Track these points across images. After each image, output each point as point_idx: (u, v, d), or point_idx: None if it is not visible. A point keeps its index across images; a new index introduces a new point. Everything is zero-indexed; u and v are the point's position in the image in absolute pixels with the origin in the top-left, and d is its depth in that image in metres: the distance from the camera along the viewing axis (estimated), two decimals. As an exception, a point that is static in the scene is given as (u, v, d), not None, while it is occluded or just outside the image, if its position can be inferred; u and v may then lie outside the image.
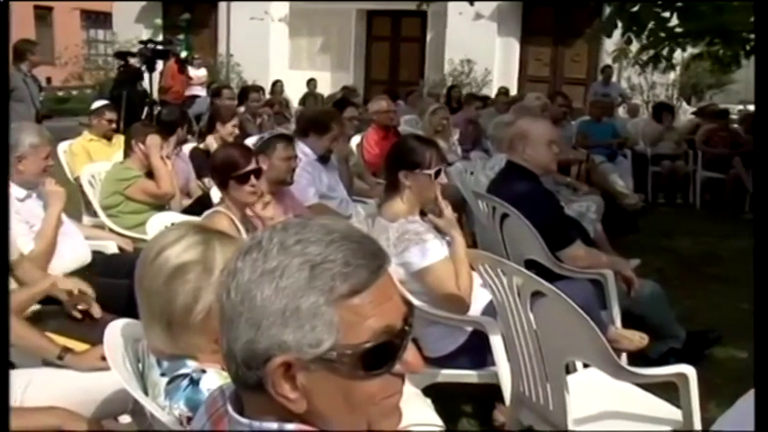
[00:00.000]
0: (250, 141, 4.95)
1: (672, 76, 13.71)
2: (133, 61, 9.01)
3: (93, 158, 5.70)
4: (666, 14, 4.38)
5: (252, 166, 3.29)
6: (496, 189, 3.93)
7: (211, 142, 5.60)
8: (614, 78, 13.34)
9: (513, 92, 13.31)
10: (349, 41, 18.32)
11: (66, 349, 2.52)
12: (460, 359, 2.97)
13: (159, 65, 9.90)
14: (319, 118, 5.02)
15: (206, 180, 5.00)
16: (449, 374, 2.98)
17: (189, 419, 1.66)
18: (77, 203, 5.08)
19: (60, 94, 18.42)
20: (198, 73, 13.08)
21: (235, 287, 0.96)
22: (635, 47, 5.33)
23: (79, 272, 3.42)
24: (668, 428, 2.43)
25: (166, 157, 4.60)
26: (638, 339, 3.38)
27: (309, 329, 0.93)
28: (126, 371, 1.87)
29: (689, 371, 2.34)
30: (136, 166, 4.51)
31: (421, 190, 3.00)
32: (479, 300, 2.95)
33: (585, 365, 2.80)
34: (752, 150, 8.97)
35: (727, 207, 8.63)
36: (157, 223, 3.73)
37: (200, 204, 4.21)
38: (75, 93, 18.75)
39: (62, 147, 5.94)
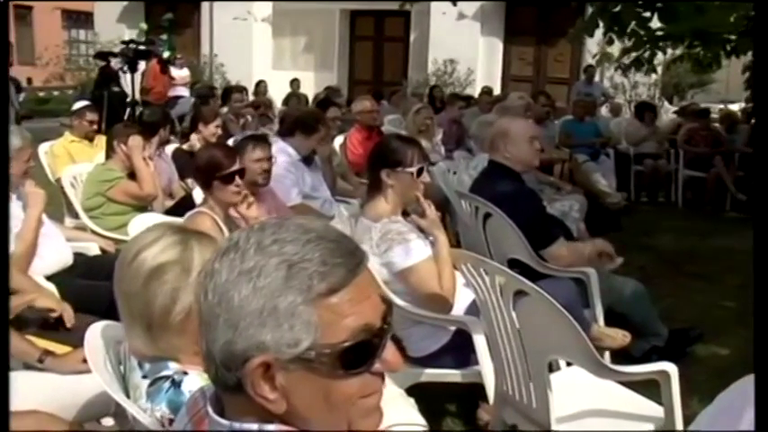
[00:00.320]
0: (231, 142, 4.94)
1: (654, 75, 13.79)
2: (115, 62, 8.96)
3: (75, 160, 5.65)
4: (647, 14, 4.41)
5: (236, 166, 3.29)
6: (479, 188, 3.94)
7: (194, 143, 5.58)
8: (597, 78, 13.41)
9: (497, 91, 13.35)
10: (332, 41, 18.30)
11: (47, 352, 2.50)
12: (444, 358, 2.98)
13: (142, 65, 9.86)
14: (307, 118, 5.01)
15: (189, 181, 4.98)
16: (432, 374, 2.98)
17: (171, 421, 1.65)
18: (59, 205, 5.04)
19: (41, 94, 18.29)
20: (181, 73, 13.03)
21: (212, 288, 0.96)
22: (616, 48, 5.38)
23: (61, 274, 3.40)
24: (650, 425, 2.45)
25: (149, 158, 4.58)
26: (620, 337, 3.40)
27: (287, 329, 0.93)
28: (107, 373, 1.86)
29: (670, 368, 2.36)
30: (118, 168, 4.49)
31: (403, 189, 3.00)
32: (462, 299, 2.96)
33: (569, 364, 2.81)
34: (733, 150, 9.08)
35: (709, 205, 8.72)
36: (140, 225, 3.69)
37: (183, 205, 4.19)
38: (56, 93, 18.61)
39: (43, 148, 5.89)
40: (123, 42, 9.01)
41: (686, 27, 5.28)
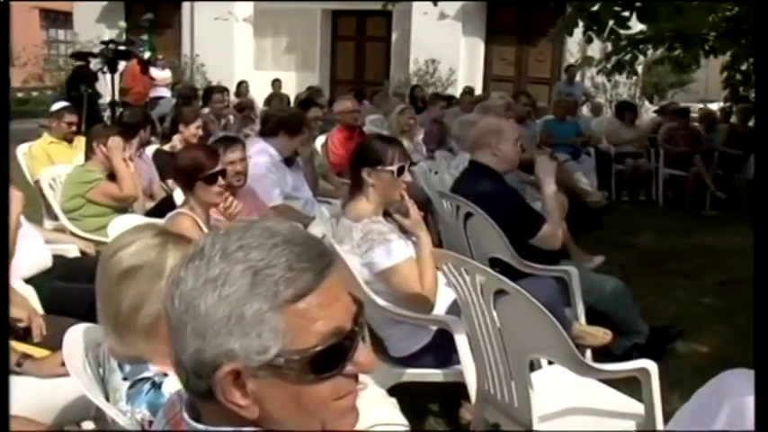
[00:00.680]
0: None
1: (634, 76, 13.89)
2: (94, 62, 8.89)
3: (54, 161, 5.61)
4: (626, 14, 4.44)
5: (219, 167, 3.29)
6: (460, 188, 3.95)
7: (175, 144, 5.55)
8: (578, 78, 13.47)
9: (478, 91, 13.38)
10: (314, 41, 18.27)
11: (26, 356, 2.48)
12: (426, 358, 2.98)
13: (122, 66, 9.79)
14: (291, 119, 4.99)
15: (170, 182, 4.95)
16: (414, 374, 2.99)
17: (151, 423, 1.65)
18: (38, 207, 5.00)
19: (19, 95, 18.08)
20: (162, 74, 12.96)
21: (179, 296, 0.95)
22: (596, 49, 5.43)
23: (39, 276, 3.37)
24: (631, 422, 2.46)
25: (129, 159, 4.55)
26: (601, 335, 3.42)
27: (255, 337, 0.92)
28: (86, 376, 1.85)
29: (650, 366, 2.37)
30: (97, 169, 4.46)
31: (384, 188, 2.99)
32: (444, 299, 2.96)
33: (550, 362, 2.82)
34: (712, 149, 9.17)
35: (689, 203, 8.80)
36: (120, 226, 3.66)
37: (164, 206, 4.16)
38: (34, 94, 18.43)
39: (21, 149, 5.83)
40: (103, 42, 8.91)
41: (666, 28, 5.33)
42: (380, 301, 2.91)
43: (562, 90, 12.28)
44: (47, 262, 3.51)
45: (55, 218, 4.72)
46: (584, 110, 12.33)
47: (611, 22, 4.44)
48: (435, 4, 7.72)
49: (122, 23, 16.98)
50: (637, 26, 5.28)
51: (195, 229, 3.09)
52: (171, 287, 0.97)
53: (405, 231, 3.03)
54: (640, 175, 9.25)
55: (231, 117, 8.58)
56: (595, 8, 4.39)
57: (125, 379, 1.78)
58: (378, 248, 2.87)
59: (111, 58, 8.31)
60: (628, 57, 5.52)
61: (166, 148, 5.67)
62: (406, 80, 15.81)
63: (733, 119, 10.02)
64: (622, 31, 4.76)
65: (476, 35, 16.51)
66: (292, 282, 0.93)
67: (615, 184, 9.18)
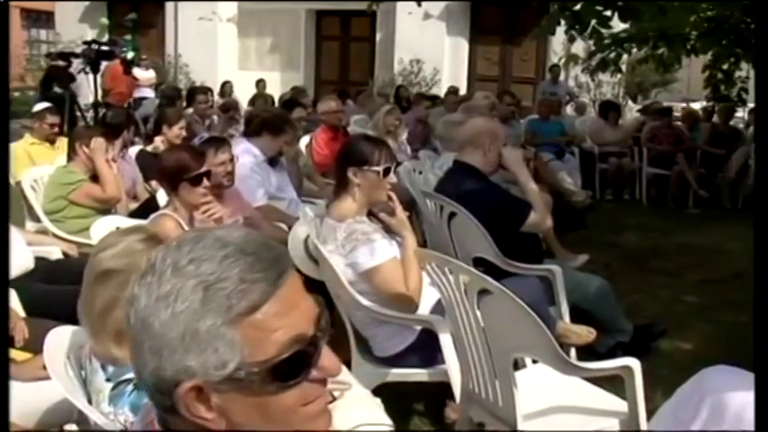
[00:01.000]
0: (195, 142, 4.90)
1: (618, 75, 13.96)
2: (77, 62, 8.82)
3: (36, 162, 5.56)
4: (608, 13, 4.47)
5: (204, 167, 3.28)
6: (444, 188, 3.96)
7: (158, 145, 5.52)
8: (562, 77, 13.54)
9: (463, 91, 13.40)
10: (298, 41, 18.22)
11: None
12: (410, 358, 2.98)
13: (104, 66, 9.72)
14: (274, 119, 4.99)
15: (153, 183, 4.92)
16: (399, 373, 2.99)
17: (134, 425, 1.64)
18: (20, 208, 4.93)
19: (1, 95, 17.92)
20: (146, 74, 12.89)
21: (134, 314, 0.93)
22: (580, 48, 5.46)
23: (21, 279, 3.34)
24: (615, 420, 2.48)
25: (112, 161, 4.52)
26: (585, 334, 3.43)
27: (212, 352, 0.90)
28: (68, 379, 1.84)
29: (633, 364, 2.39)
30: (80, 170, 4.43)
31: (370, 188, 2.99)
32: (428, 298, 2.96)
33: (534, 361, 2.83)
34: (694, 148, 9.25)
35: (672, 202, 8.86)
36: (102, 227, 3.65)
37: (147, 208, 4.15)
38: (16, 94, 18.25)
39: (3, 150, 5.78)
40: (85, 43, 8.84)
41: (649, 28, 5.36)
42: (365, 302, 2.91)
43: (546, 89, 12.33)
44: (29, 264, 3.48)
45: (37, 219, 4.68)
46: (569, 109, 12.38)
47: (593, 22, 4.46)
48: (420, 5, 7.72)
49: (104, 20, 16.87)
50: (620, 25, 5.30)
51: (178, 230, 3.07)
52: (127, 305, 0.95)
53: (389, 231, 3.03)
54: (624, 174, 9.31)
55: (215, 117, 8.55)
56: (577, 7, 4.41)
57: (108, 380, 1.77)
58: (361, 248, 2.87)
59: (93, 58, 8.24)
60: (612, 55, 5.54)
61: (149, 149, 5.64)
62: (390, 80, 15.81)
63: (715, 118, 10.10)
64: (605, 31, 4.78)
65: (460, 35, 16.53)
66: (245, 294, 0.91)
67: (599, 183, 9.24)
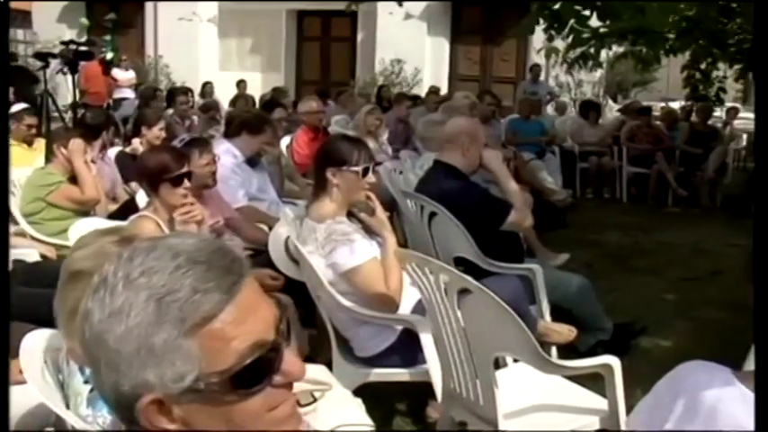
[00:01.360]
0: (176, 143, 4.87)
1: (598, 74, 14.06)
2: (54, 63, 8.73)
3: (13, 164, 5.50)
4: (587, 13, 4.50)
5: (186, 168, 3.26)
6: (425, 188, 3.96)
7: (136, 146, 5.48)
8: (542, 77, 13.60)
9: (444, 91, 13.43)
10: (279, 42, 18.19)
11: (-16, 363, 2.42)
12: (391, 358, 2.97)
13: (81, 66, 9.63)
14: (253, 119, 4.98)
15: (132, 184, 4.89)
16: (380, 373, 2.98)
17: (113, 428, 1.63)
18: (-4, 211, 4.90)
19: (-22, 97, 17.74)
20: (126, 75, 12.81)
21: (89, 329, 0.92)
22: (560, 42, 5.48)
23: (-2, 282, 3.30)
24: (595, 418, 2.49)
25: (91, 162, 4.48)
26: (566, 332, 3.45)
27: (169, 365, 0.89)
28: (45, 383, 1.81)
29: (613, 362, 2.40)
30: (58, 172, 4.39)
31: (349, 188, 2.99)
32: (409, 298, 2.96)
33: (515, 360, 2.84)
34: (673, 147, 9.33)
35: (652, 200, 8.94)
36: (81, 229, 3.60)
37: (127, 209, 4.12)
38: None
39: (-21, 152, 5.72)
40: (63, 43, 8.75)
41: (626, 25, 5.40)
42: (345, 302, 2.90)
43: (527, 89, 12.38)
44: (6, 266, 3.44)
45: (14, 222, 4.64)
46: (549, 109, 12.45)
47: (571, 21, 4.49)
48: (400, 5, 7.74)
49: (84, 20, 16.73)
50: (597, 21, 5.33)
51: (158, 232, 3.05)
52: (81, 320, 0.93)
53: (369, 231, 3.03)
54: (604, 173, 9.38)
55: (195, 118, 8.50)
56: (557, 7, 4.44)
57: (86, 382, 1.76)
58: (341, 249, 2.86)
59: (71, 58, 8.16)
60: (591, 49, 5.57)
61: (128, 150, 5.60)
62: (371, 80, 15.82)
63: (693, 117, 10.20)
64: (583, 28, 4.81)
65: (441, 35, 16.57)
66: (199, 304, 0.89)
67: (580, 182, 9.30)
